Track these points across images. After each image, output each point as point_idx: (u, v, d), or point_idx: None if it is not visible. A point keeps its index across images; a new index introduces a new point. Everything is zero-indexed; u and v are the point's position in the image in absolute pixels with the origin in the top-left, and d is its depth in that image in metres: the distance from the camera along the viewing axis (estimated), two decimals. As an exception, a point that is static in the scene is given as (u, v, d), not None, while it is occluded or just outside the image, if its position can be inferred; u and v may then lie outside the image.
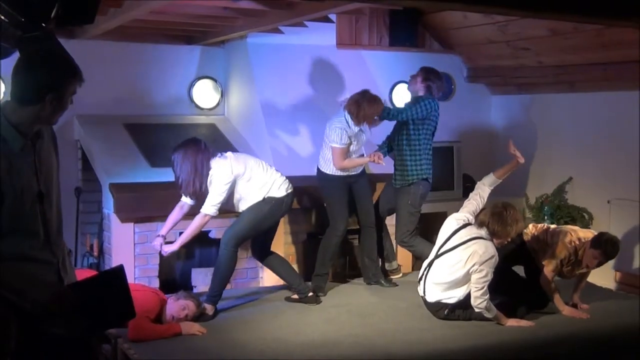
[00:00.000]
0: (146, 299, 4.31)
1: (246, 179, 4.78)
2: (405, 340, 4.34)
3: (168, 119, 6.24)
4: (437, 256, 4.68)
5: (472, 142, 7.41)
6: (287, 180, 4.94)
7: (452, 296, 4.60)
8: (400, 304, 5.09)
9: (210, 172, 4.70)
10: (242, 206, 4.88)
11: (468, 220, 4.66)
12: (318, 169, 5.42)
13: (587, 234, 4.83)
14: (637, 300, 5.16)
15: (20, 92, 2.46)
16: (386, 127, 5.65)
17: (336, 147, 5.20)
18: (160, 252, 4.85)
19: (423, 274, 4.75)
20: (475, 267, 4.44)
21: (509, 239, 4.58)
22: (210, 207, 4.69)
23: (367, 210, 5.55)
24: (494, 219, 4.48)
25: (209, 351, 4.12)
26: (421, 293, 4.76)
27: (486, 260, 4.43)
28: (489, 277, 4.45)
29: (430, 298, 4.69)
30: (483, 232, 4.52)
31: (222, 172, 4.70)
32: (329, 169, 5.33)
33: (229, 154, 4.85)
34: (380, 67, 6.74)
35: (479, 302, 4.47)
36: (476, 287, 4.46)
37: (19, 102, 2.46)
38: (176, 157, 4.71)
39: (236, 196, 4.83)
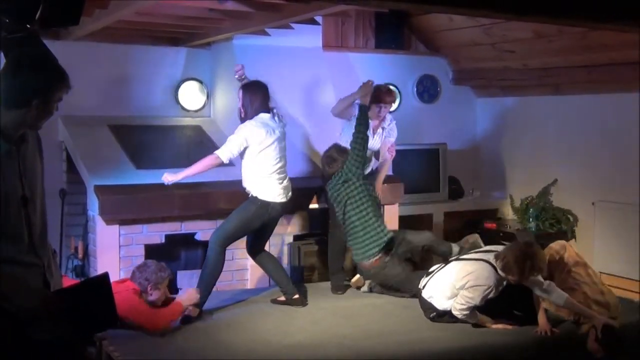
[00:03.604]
0: (128, 298, 4.33)
1: (257, 151, 4.83)
2: (391, 342, 4.34)
3: (153, 120, 6.21)
4: (454, 260, 4.73)
5: (458, 144, 7.45)
6: (285, 191, 4.97)
7: (441, 304, 4.61)
8: (387, 306, 5.10)
9: (244, 122, 4.85)
10: (247, 183, 4.93)
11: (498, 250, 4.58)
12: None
13: (596, 295, 4.58)
14: (623, 303, 5.18)
15: (6, 96, 2.44)
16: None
17: None
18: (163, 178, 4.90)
19: (435, 270, 4.77)
20: (469, 284, 4.42)
21: (523, 281, 4.39)
22: (224, 151, 4.79)
23: None
24: (511, 252, 4.38)
25: (194, 352, 4.12)
26: (421, 285, 4.77)
27: (480, 286, 4.41)
28: (476, 302, 4.44)
29: (425, 294, 4.70)
30: (498, 264, 4.42)
31: (246, 128, 4.83)
32: None
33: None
34: (366, 70, 6.74)
35: (457, 313, 4.51)
36: (460, 302, 4.47)
37: (4, 106, 2.44)
38: (249, 91, 4.90)
39: (248, 159, 4.87)
